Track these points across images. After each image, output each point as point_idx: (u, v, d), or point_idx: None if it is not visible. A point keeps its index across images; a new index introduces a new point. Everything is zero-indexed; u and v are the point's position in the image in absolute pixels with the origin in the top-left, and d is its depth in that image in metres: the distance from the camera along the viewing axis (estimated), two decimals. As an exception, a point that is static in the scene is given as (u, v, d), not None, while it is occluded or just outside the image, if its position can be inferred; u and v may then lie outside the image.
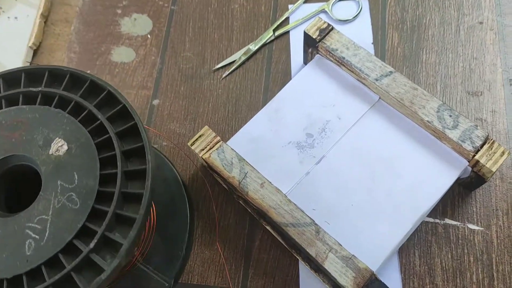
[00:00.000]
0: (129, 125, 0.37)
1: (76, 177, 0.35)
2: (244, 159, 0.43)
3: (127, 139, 0.37)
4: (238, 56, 0.55)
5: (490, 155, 0.41)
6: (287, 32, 0.56)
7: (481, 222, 0.45)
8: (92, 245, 0.32)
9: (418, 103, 0.43)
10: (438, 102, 0.43)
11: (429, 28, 0.54)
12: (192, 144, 0.45)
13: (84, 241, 0.33)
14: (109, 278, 0.32)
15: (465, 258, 0.44)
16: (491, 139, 0.41)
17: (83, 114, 0.37)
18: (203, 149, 0.44)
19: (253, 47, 0.55)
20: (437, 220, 0.46)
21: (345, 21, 0.56)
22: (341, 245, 0.39)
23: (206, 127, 0.45)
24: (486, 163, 0.40)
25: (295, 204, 0.41)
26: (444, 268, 0.44)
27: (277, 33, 0.56)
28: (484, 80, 0.51)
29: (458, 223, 0.45)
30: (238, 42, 0.57)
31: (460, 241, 0.45)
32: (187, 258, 0.47)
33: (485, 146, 0.41)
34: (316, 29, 0.48)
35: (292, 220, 0.41)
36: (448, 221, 0.46)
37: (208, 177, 0.50)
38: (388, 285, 0.43)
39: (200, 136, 0.45)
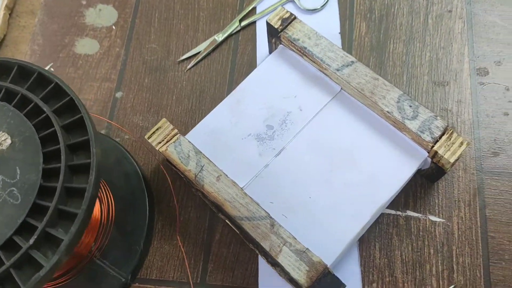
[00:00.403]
0: (76, 118, 0.36)
1: (19, 172, 0.34)
2: (201, 152, 0.43)
3: (74, 132, 0.37)
4: (203, 47, 0.54)
5: (448, 145, 0.40)
6: (254, 22, 0.55)
7: (442, 214, 0.45)
8: (31, 241, 0.31)
9: (378, 93, 0.43)
10: (399, 92, 0.42)
11: (397, 17, 0.53)
12: (149, 137, 0.44)
13: (24, 237, 0.32)
14: (49, 275, 0.31)
15: (425, 250, 0.43)
16: (450, 130, 0.40)
17: (29, 107, 0.36)
18: (160, 142, 0.44)
19: (219, 38, 0.54)
20: (398, 212, 0.45)
21: (313, 11, 0.55)
22: (295, 239, 0.38)
23: (164, 119, 0.44)
24: (444, 154, 0.40)
25: (250, 198, 0.40)
26: (404, 261, 0.43)
27: (243, 23, 0.55)
28: (451, 70, 0.50)
29: (420, 215, 0.45)
30: (204, 33, 0.56)
31: (421, 233, 0.44)
32: (146, 252, 0.46)
33: (444, 137, 0.40)
34: (279, 19, 0.47)
35: (247, 213, 0.40)
36: (409, 213, 0.45)
37: (170, 170, 0.49)
38: (347, 278, 0.43)
39: (157, 129, 0.44)
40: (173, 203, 0.48)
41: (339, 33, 0.53)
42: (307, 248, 0.38)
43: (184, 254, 0.46)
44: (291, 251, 0.38)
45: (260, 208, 0.40)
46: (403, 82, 0.50)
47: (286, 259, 0.38)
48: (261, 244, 0.39)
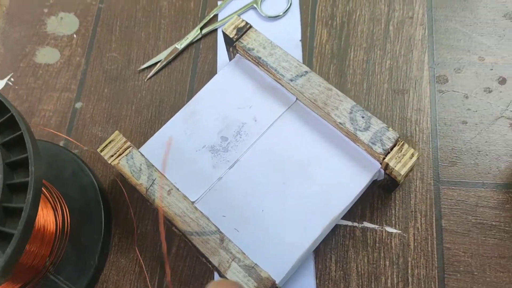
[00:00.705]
0: (16, 135, 0.36)
1: (-45, 192, 0.33)
2: (154, 166, 0.42)
3: (15, 149, 0.36)
4: (164, 55, 0.54)
5: (399, 157, 0.40)
6: (215, 30, 0.55)
7: (399, 225, 0.44)
8: (-36, 263, 0.31)
9: (331, 104, 0.42)
10: (351, 103, 0.42)
11: (358, 24, 0.53)
12: (102, 150, 0.43)
13: (-41, 258, 0.32)
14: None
15: (381, 262, 0.43)
16: (401, 141, 0.40)
17: (-32, 124, 0.36)
18: (112, 156, 0.43)
19: (179, 46, 0.54)
20: (355, 224, 0.45)
21: (275, 18, 0.54)
22: (244, 254, 0.38)
23: (117, 132, 0.43)
24: (395, 166, 0.39)
25: (201, 212, 0.40)
26: (360, 273, 0.43)
27: (204, 31, 0.54)
28: (411, 77, 0.50)
29: (376, 226, 0.44)
30: (165, 41, 0.55)
31: (377, 244, 0.44)
32: (101, 267, 0.46)
33: (395, 149, 0.40)
34: (234, 28, 0.46)
35: (197, 228, 0.39)
36: (366, 224, 0.45)
37: (126, 182, 0.49)
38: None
39: (110, 142, 0.43)
40: (130, 216, 0.47)
41: (300, 40, 0.53)
42: (255, 264, 0.38)
43: (140, 268, 0.45)
44: (240, 266, 0.38)
45: (210, 222, 0.39)
46: (363, 90, 0.50)
47: (234, 274, 0.38)
48: (210, 259, 0.38)
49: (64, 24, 0.57)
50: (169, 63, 0.54)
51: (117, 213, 0.48)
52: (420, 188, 0.45)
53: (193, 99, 0.47)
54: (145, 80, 0.53)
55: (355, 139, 0.41)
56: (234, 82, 0.47)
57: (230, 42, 0.47)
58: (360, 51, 0.52)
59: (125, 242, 0.47)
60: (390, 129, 0.40)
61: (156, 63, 0.54)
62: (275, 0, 0.55)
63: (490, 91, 0.48)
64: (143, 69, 0.54)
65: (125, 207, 0.48)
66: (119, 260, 0.46)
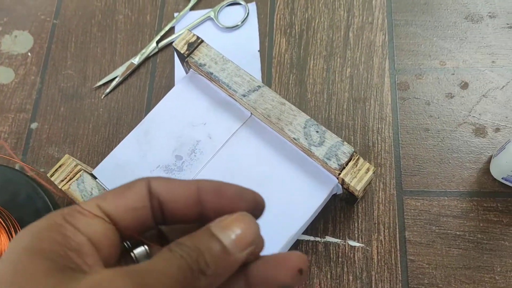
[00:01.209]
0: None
1: None
2: (105, 189, 0.41)
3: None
4: (120, 71, 0.52)
5: (355, 172, 0.38)
6: (172, 43, 0.53)
7: (362, 238, 0.43)
8: None
9: (285, 119, 0.41)
10: (305, 117, 0.41)
11: (317, 32, 0.52)
12: (52, 175, 0.42)
13: None
14: None
15: (345, 277, 0.42)
16: (356, 156, 0.39)
17: None
18: (63, 180, 0.42)
19: (136, 61, 0.52)
20: (317, 239, 0.44)
21: (233, 28, 0.53)
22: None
23: (67, 155, 0.42)
24: (350, 182, 0.38)
25: (154, 236, 0.39)
26: (323, 290, 0.42)
27: (161, 45, 0.53)
28: (372, 85, 0.49)
29: (339, 240, 0.43)
30: (121, 56, 0.54)
31: (340, 259, 0.43)
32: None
33: (350, 163, 0.39)
34: (185, 43, 0.45)
35: (151, 253, 0.38)
36: (328, 238, 0.44)
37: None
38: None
39: (60, 166, 0.42)
40: (88, 239, 0.46)
41: (259, 50, 0.52)
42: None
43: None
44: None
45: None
46: (323, 100, 0.49)
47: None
48: None
49: (18, 42, 0.56)
50: (125, 79, 0.52)
51: (75, 237, 0.46)
52: (382, 199, 0.44)
53: (145, 118, 0.45)
54: (102, 97, 0.52)
55: (310, 154, 0.40)
56: (188, 98, 0.45)
57: (182, 58, 0.45)
58: (320, 59, 0.50)
59: (83, 267, 0.45)
60: (345, 143, 0.39)
61: (112, 79, 0.52)
62: (233, 10, 0.54)
63: (452, 97, 0.47)
64: (100, 86, 0.52)
65: (83, 231, 0.46)
66: (78, 286, 0.45)
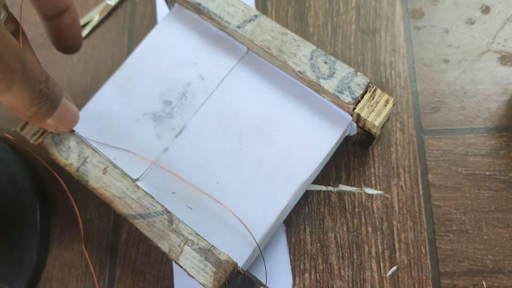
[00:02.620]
0: None
1: None
2: (85, 141, 0.35)
3: None
4: (94, 14, 0.46)
5: (372, 106, 0.33)
6: (153, -20, 0.47)
7: (380, 185, 0.38)
8: None
9: (287, 50, 0.35)
10: (311, 47, 0.35)
11: (317, -42, 0.46)
12: (22, 129, 0.36)
13: None
14: None
15: (363, 229, 0.37)
16: (373, 86, 0.33)
17: None
18: (35, 134, 0.36)
19: (112, 2, 0.46)
20: (330, 188, 0.39)
21: (221, -40, 0.46)
22: (198, 235, 0.32)
23: (38, 107, 0.36)
24: (367, 117, 0.33)
25: (144, 191, 0.33)
26: (339, 244, 0.37)
27: (140, -18, 0.47)
28: (381, 15, 0.43)
29: (354, 188, 0.39)
30: (96, -2, 0.47)
31: (356, 209, 0.38)
32: (42, 263, 0.39)
33: (366, 96, 0.33)
34: (167, -29, 0.39)
35: (141, 210, 0.33)
36: (342, 187, 0.39)
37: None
38: (274, 271, 0.37)
39: (31, 119, 0.36)
40: (71, 203, 0.41)
41: (252, -17, 0.45)
42: (212, 246, 0.31)
43: (86, 260, 0.39)
44: (194, 250, 0.32)
45: (155, 202, 0.33)
46: (327, 34, 0.43)
47: (188, 260, 0.31)
48: (159, 245, 0.32)
49: (-22, -12, 0.49)
50: (101, 22, 0.46)
51: (55, 201, 0.41)
52: (401, 140, 0.39)
53: (125, 62, 0.39)
54: (77, 45, 0.45)
55: (319, 89, 0.35)
56: (174, 37, 0.39)
57: (165, -11, 0.39)
58: (321, -11, 0.44)
59: (67, 233, 0.40)
60: (359, 73, 0.34)
61: (86, 24, 0.46)
62: None
63: (472, 23, 0.42)
64: (73, 33, 0.46)
65: (64, 194, 0.41)
66: (62, 253, 0.40)
